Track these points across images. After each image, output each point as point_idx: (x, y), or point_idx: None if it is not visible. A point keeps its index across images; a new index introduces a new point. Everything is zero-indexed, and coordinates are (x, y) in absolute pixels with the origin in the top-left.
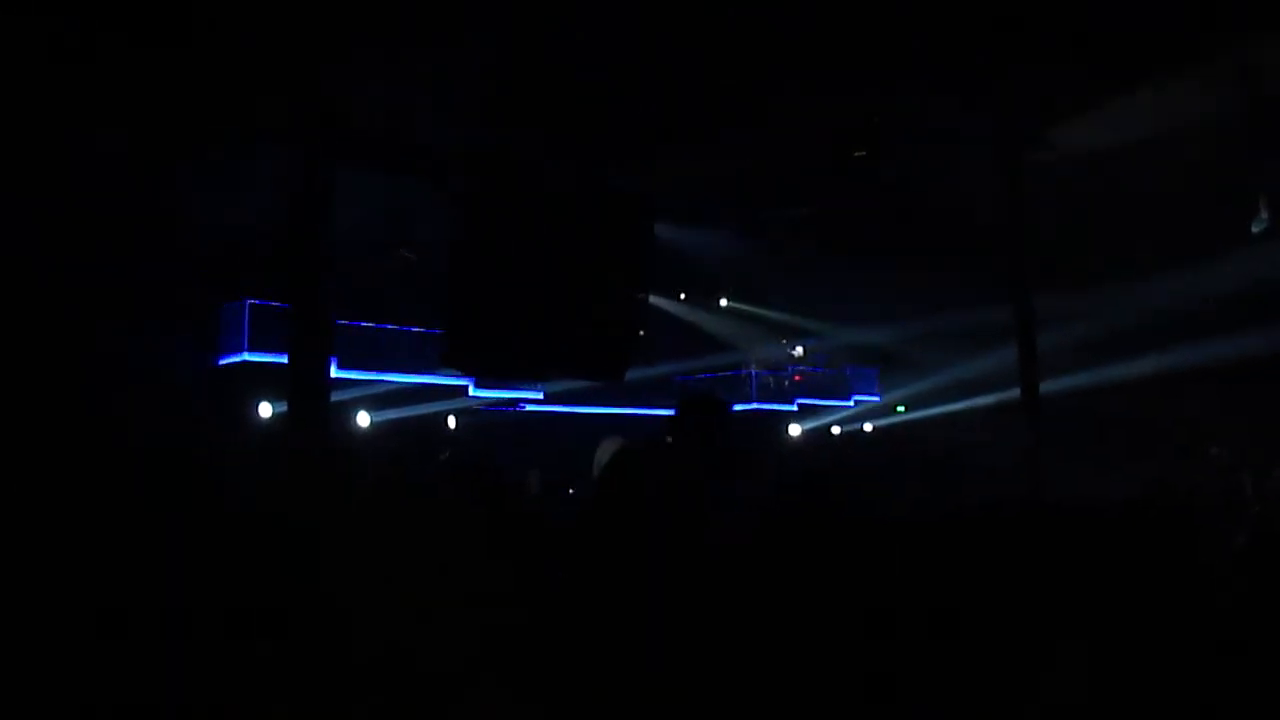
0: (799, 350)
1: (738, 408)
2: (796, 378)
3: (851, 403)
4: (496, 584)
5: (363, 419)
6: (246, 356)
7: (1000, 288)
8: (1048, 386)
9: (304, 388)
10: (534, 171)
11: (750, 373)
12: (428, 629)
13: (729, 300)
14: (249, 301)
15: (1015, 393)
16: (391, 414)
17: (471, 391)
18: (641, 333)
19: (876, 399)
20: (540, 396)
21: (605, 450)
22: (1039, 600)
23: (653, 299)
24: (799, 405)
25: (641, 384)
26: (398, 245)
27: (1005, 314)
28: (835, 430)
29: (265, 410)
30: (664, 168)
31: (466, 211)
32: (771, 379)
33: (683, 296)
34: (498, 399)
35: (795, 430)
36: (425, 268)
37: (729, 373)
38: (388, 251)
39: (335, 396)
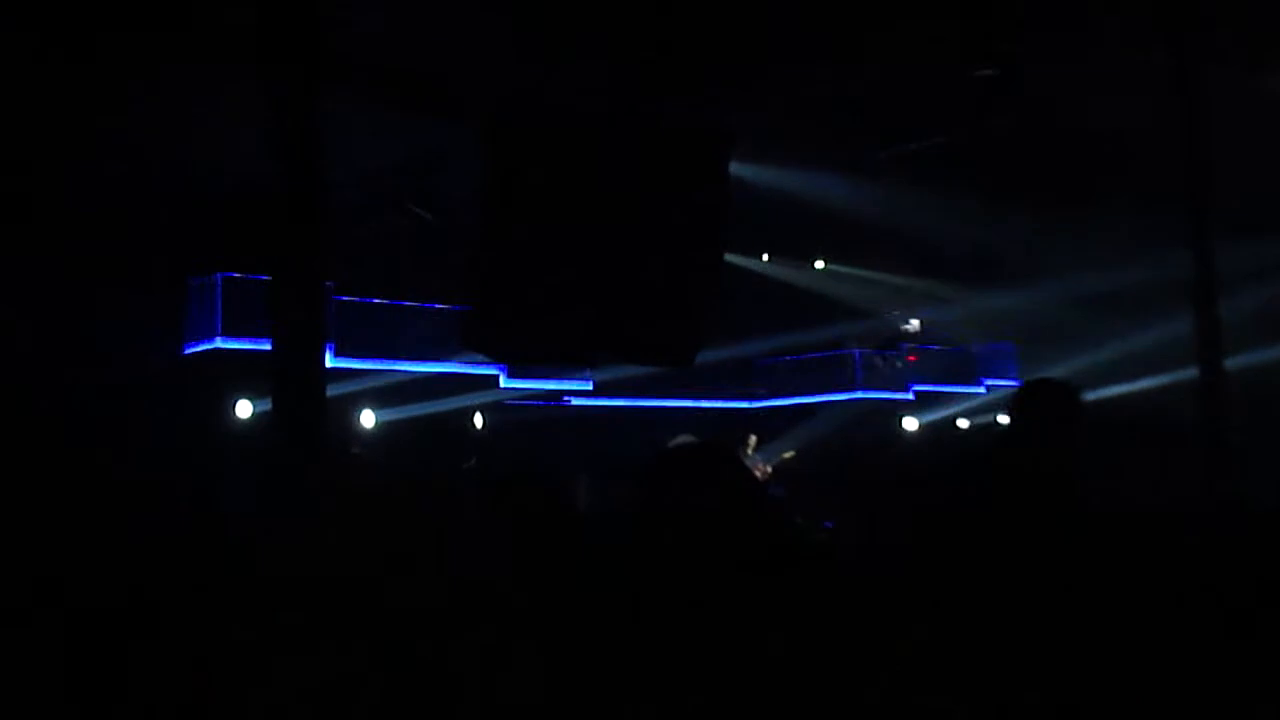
0: (914, 324)
1: (838, 396)
2: (911, 358)
3: (982, 388)
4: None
5: (366, 419)
6: (219, 343)
7: (1175, 241)
8: (1236, 363)
9: (292, 381)
10: (581, 104)
11: (853, 353)
12: None
13: (827, 261)
14: (222, 275)
15: (1192, 372)
16: (402, 412)
17: (503, 383)
18: (717, 304)
19: (1014, 384)
20: (589, 387)
21: None
22: None
23: (730, 260)
24: (915, 393)
25: (718, 369)
26: (411, 200)
27: (1182, 273)
28: (962, 424)
29: (244, 410)
30: (744, 94)
31: (498, 155)
32: (880, 360)
33: (766, 257)
34: (536, 391)
35: (911, 424)
36: (445, 228)
37: (826, 353)
38: (398, 208)
39: (332, 391)
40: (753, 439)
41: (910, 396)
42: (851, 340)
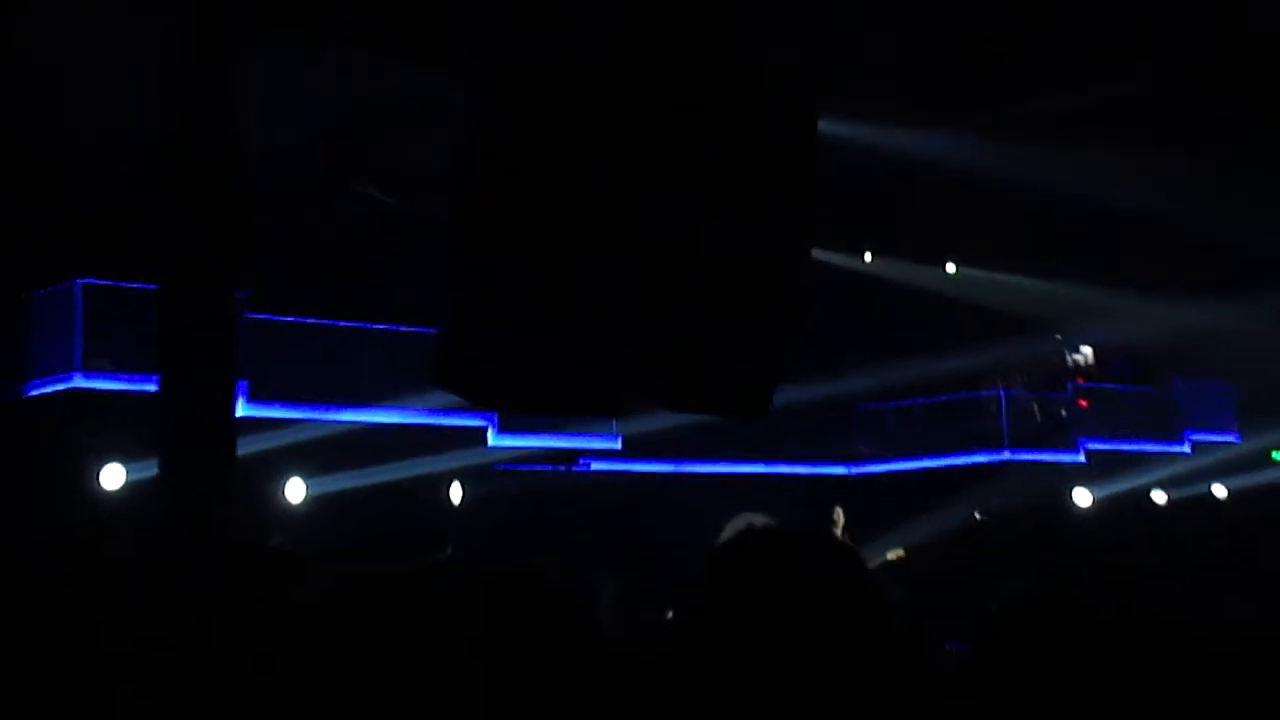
0: (1086, 352)
1: (976, 458)
2: (1083, 402)
3: (1185, 446)
4: None
5: (294, 491)
6: (79, 381)
7: None
8: None
9: (187, 435)
10: (610, 47)
11: (998, 393)
12: None
13: (959, 261)
14: (82, 282)
15: None
16: (346, 481)
17: (492, 439)
18: (801, 325)
19: (1233, 439)
20: (616, 446)
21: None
22: None
23: (819, 259)
24: (1088, 452)
25: (800, 418)
26: (363, 181)
27: None
28: (1158, 497)
29: (112, 478)
30: (839, 37)
31: (490, 109)
32: (1036, 405)
33: (870, 256)
34: (540, 451)
35: (1083, 498)
36: (410, 215)
37: (959, 395)
38: (345, 191)
39: (244, 449)
40: (839, 515)
41: (1081, 457)
42: (996, 377)
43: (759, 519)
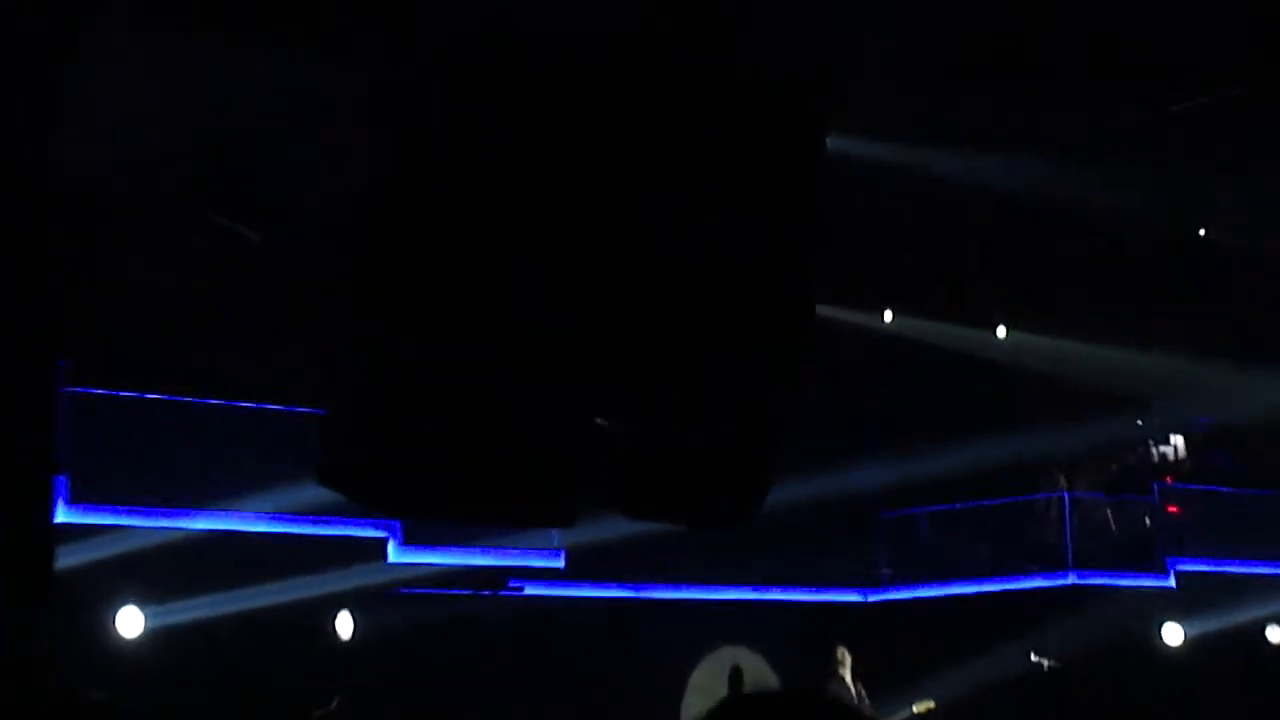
0: (1176, 443)
1: (1036, 583)
2: (1171, 508)
3: None
4: None
5: (128, 623)
6: None
7: None
8: None
9: None
10: (566, 44)
11: (1061, 495)
12: None
13: (1010, 323)
14: None
15: None
16: (197, 609)
17: (394, 554)
18: (800, 402)
19: None
20: (559, 565)
21: (703, 688)
22: None
23: (826, 315)
24: (1179, 573)
25: (799, 524)
26: (224, 212)
27: None
28: (1273, 635)
29: None
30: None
31: (402, 113)
32: (1110, 511)
33: (890, 316)
34: (456, 570)
35: (1174, 635)
36: (287, 256)
37: (1010, 499)
38: (202, 224)
39: (63, 561)
40: (844, 656)
41: (1171, 581)
42: (1059, 473)
43: (744, 660)
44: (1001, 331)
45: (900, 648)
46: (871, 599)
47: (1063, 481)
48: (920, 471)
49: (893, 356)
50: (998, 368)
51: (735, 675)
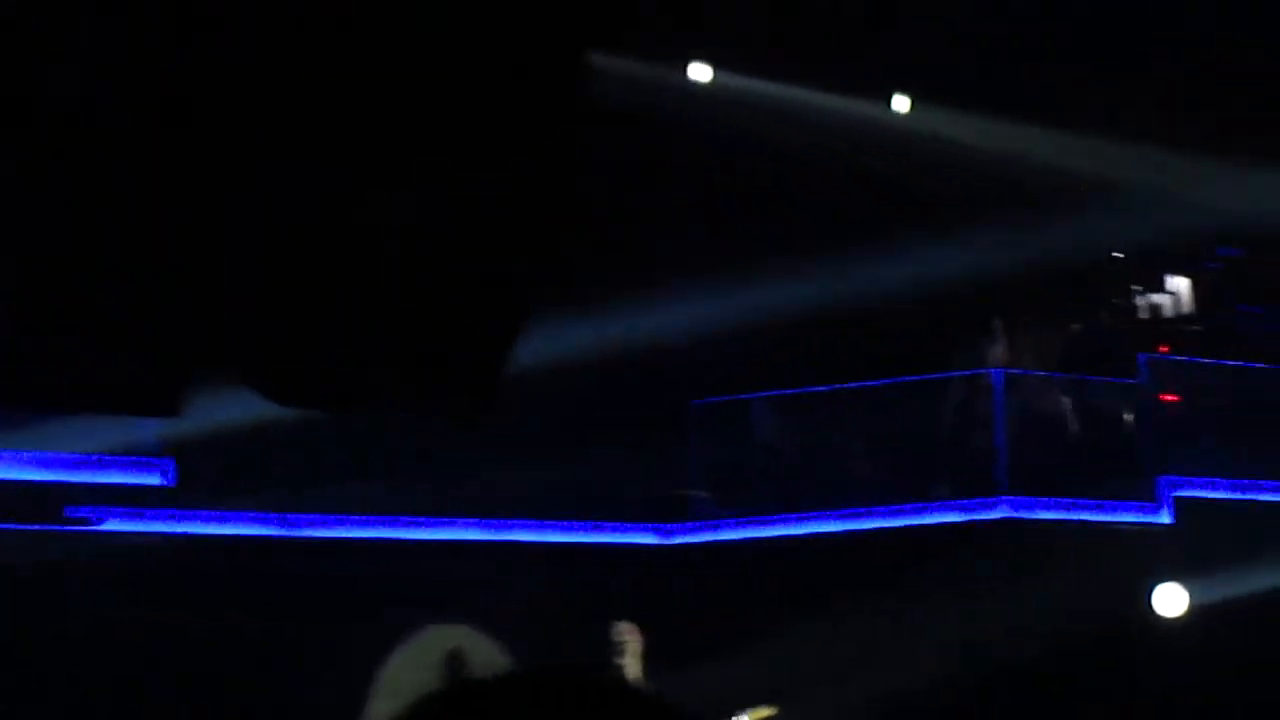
0: (1177, 288)
1: (947, 517)
2: (1168, 398)
3: None
4: None
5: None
6: None
7: None
8: None
9: None
10: None
11: (991, 374)
12: None
13: (913, 96)
14: None
15: None
16: None
17: None
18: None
19: None
20: (162, 482)
21: (399, 691)
22: None
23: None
24: (1177, 500)
25: (553, 419)
26: None
27: None
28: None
29: None
30: None
31: None
32: (1068, 401)
33: (707, 73)
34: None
35: (1172, 601)
36: None
37: (910, 378)
38: None
39: None
40: (628, 633)
41: (1163, 516)
42: (987, 336)
43: (470, 642)
44: (901, 102)
45: (720, 619)
46: (675, 540)
47: (995, 350)
48: (759, 330)
49: (727, 137)
50: (894, 158)
51: (453, 664)
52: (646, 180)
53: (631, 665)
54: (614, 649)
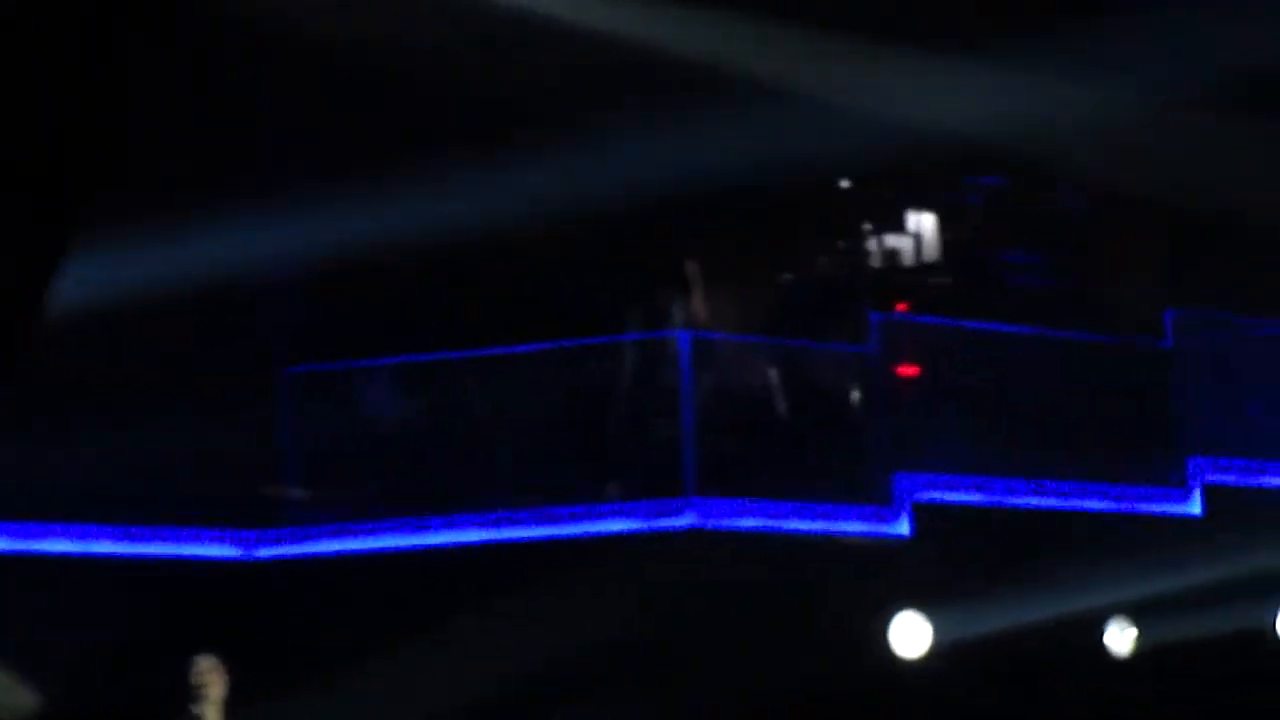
0: (920, 225)
1: (618, 525)
2: (906, 370)
3: (1191, 500)
4: None
5: None
6: None
7: None
8: None
9: None
10: None
11: (676, 336)
12: None
13: None
14: None
15: None
16: None
17: None
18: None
19: None
20: None
21: None
22: None
23: None
24: (915, 508)
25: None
26: None
27: None
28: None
29: None
30: None
31: None
32: (775, 373)
33: None
34: None
35: (910, 637)
36: None
37: (569, 341)
38: None
39: None
40: (210, 672)
41: (901, 526)
42: (668, 289)
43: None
44: None
45: (319, 651)
46: (264, 554)
47: (681, 308)
48: (371, 277)
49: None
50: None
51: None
52: (212, 84)
53: (210, 711)
54: (195, 689)
